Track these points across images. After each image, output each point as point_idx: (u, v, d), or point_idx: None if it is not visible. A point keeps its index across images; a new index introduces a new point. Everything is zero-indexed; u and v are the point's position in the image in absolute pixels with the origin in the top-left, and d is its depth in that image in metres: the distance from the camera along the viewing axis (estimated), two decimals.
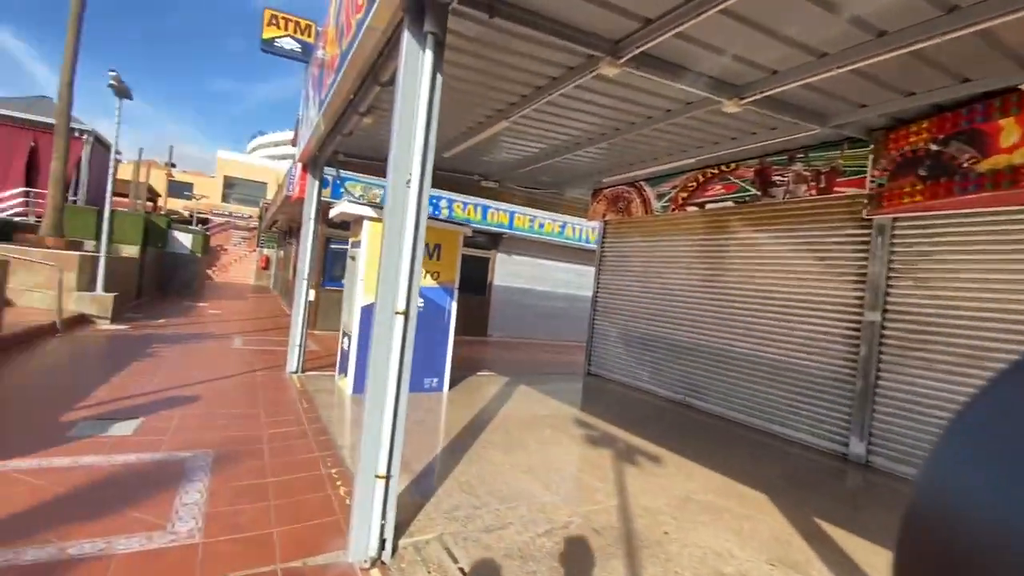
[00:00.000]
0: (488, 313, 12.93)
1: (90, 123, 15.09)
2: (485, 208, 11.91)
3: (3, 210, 12.96)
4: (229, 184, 39.07)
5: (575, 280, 14.38)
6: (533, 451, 4.24)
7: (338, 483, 3.23)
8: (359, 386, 5.56)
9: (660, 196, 7.07)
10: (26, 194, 13.41)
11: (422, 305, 5.84)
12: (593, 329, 8.66)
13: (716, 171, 6.28)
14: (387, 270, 2.55)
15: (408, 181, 2.54)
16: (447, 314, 6.07)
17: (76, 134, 14.54)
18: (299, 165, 6.75)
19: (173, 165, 27.39)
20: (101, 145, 16.45)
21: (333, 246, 10.95)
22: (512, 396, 6.29)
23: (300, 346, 6.37)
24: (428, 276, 5.88)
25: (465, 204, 11.62)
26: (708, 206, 6.39)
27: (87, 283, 8.81)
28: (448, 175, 7.30)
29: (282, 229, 20.72)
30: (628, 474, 3.91)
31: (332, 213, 6.02)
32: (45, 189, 13.79)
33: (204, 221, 32.35)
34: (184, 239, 16.56)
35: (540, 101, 4.30)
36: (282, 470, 3.34)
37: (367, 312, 5.56)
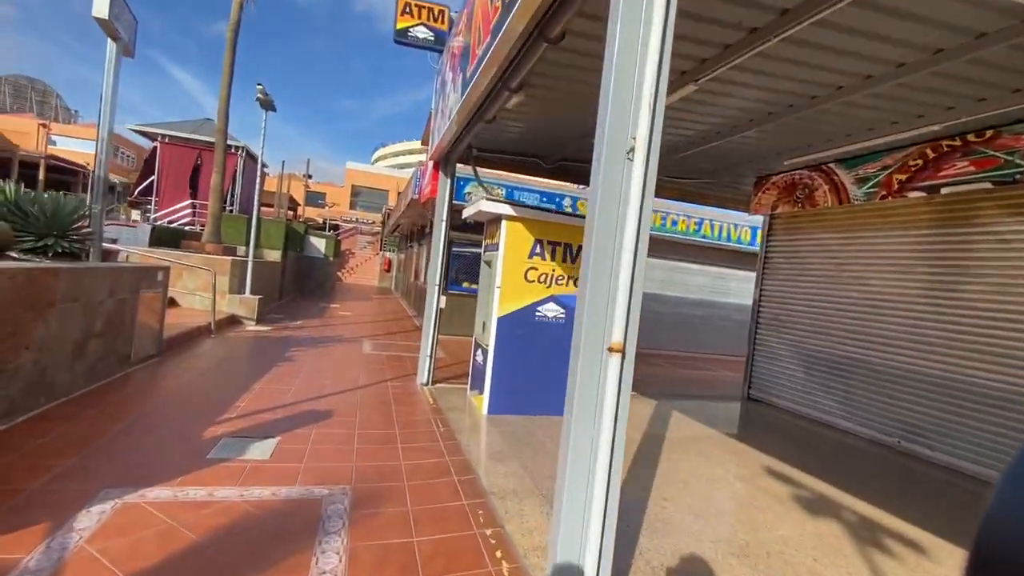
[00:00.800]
0: None
1: (242, 141, 16.70)
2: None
3: (175, 220, 14.76)
4: (356, 192, 42.22)
5: (713, 285, 12.76)
6: (725, 516, 3.21)
7: (498, 553, 2.51)
8: (496, 406, 4.92)
9: (861, 180, 5.55)
10: (192, 205, 15.11)
11: (562, 315, 5.05)
12: (755, 345, 7.25)
13: (957, 143, 4.68)
14: (592, 285, 1.75)
15: (630, 152, 1.71)
16: None
17: (232, 150, 16.16)
18: (430, 164, 6.37)
19: (310, 176, 30.02)
20: (252, 159, 18.18)
21: (454, 249, 10.68)
22: (663, 424, 5.25)
23: (431, 357, 5.93)
24: (569, 281, 5.08)
25: (575, 198, 10.71)
26: (944, 190, 4.80)
27: (237, 286, 9.39)
28: (577, 166, 6.45)
29: (403, 233, 21.46)
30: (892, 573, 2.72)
31: (467, 212, 5.47)
32: (207, 200, 15.42)
33: (335, 227, 35.20)
34: (318, 244, 17.71)
35: (741, 55, 3.26)
36: (429, 524, 2.71)
37: (506, 325, 4.90)
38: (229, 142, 16.28)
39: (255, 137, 9.84)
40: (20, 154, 23.52)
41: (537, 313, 4.98)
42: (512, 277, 4.90)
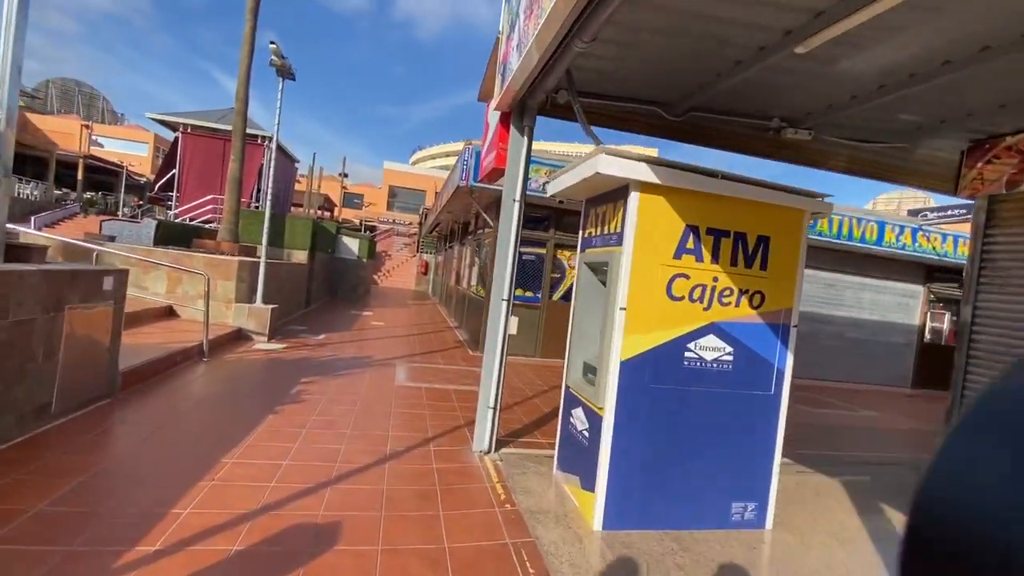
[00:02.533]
0: None
1: (270, 130, 15.31)
2: None
3: (198, 216, 13.46)
4: (393, 193, 41.13)
5: (877, 301, 10.31)
6: None
7: None
8: (618, 515, 2.87)
9: None
10: (214, 200, 13.77)
11: (727, 356, 2.96)
12: (962, 389, 4.92)
13: None
14: None
15: None
16: (775, 376, 3.09)
17: (259, 140, 14.78)
18: (493, 123, 4.44)
19: (346, 175, 28.88)
20: (285, 156, 16.79)
21: None
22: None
23: (494, 409, 3.94)
24: (742, 297, 2.98)
25: None
26: None
27: (247, 293, 7.71)
28: (715, 119, 4.33)
29: (442, 233, 19.73)
30: None
31: (565, 178, 3.37)
32: None
33: (371, 228, 34.04)
34: (352, 244, 16.17)
35: None
36: None
37: (636, 373, 2.85)
38: (256, 131, 14.93)
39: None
40: (58, 153, 23.22)
41: (688, 353, 2.90)
42: (646, 292, 2.84)
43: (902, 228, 9.68)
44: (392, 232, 35.90)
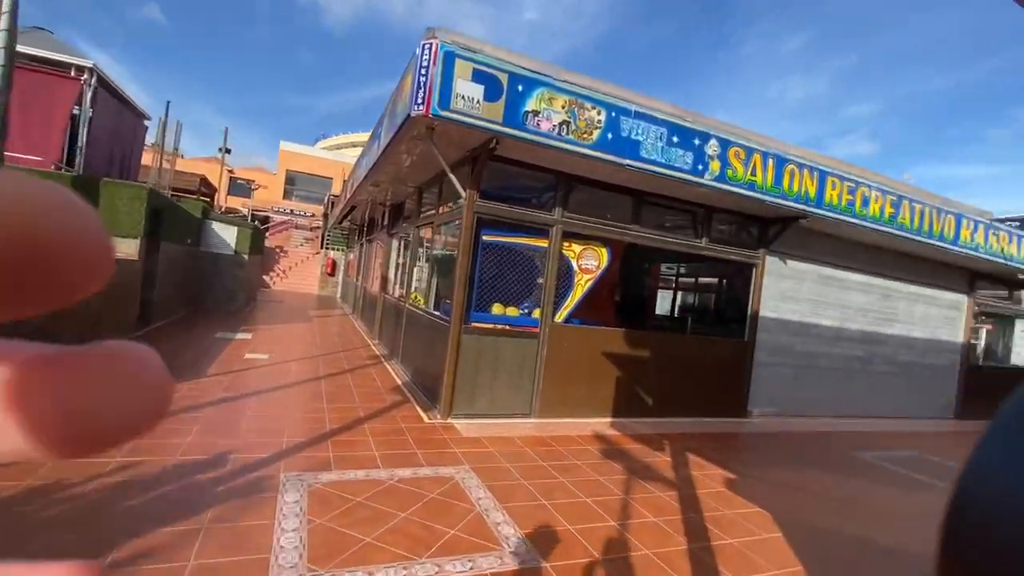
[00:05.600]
0: (748, 370, 6.79)
1: (93, 63, 10.24)
2: (782, 161, 5.81)
3: None
4: (291, 179, 35.24)
5: (876, 307, 7.98)
6: None
7: None
8: None
9: None
10: None
11: None
12: None
13: None
14: None
15: None
16: None
17: (70, 72, 9.75)
18: None
19: (228, 151, 23.21)
20: (121, 103, 11.70)
21: (486, 237, 5.19)
22: None
23: None
24: None
25: (750, 151, 5.57)
26: None
27: None
28: None
29: (359, 222, 15.52)
30: None
31: None
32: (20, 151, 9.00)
33: (265, 220, 28.28)
34: (225, 234, 11.54)
35: None
36: None
37: None
38: (64, 57, 9.87)
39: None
40: None
41: None
42: None
43: (976, 224, 7.61)
44: (290, 224, 30.31)
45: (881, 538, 3.45)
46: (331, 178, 32.78)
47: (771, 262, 6.83)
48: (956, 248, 7.40)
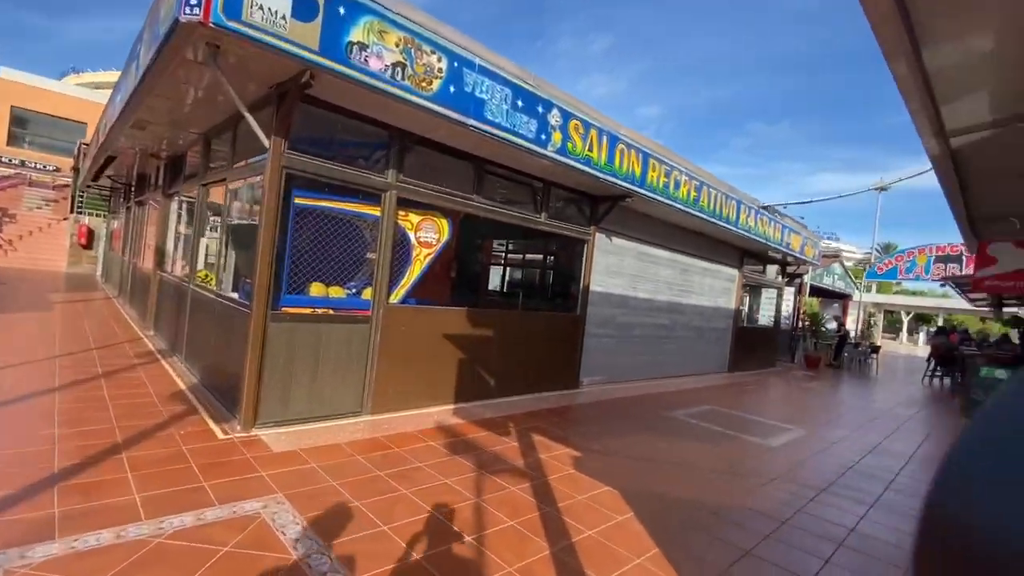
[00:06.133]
0: (580, 343, 7.02)
1: None
2: (614, 139, 5.93)
3: None
4: (20, 120, 26.52)
5: (678, 281, 9.02)
6: None
7: None
8: None
9: None
10: None
11: None
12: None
13: None
14: None
15: None
16: None
17: None
18: None
19: None
20: None
21: (300, 200, 4.16)
22: None
23: None
24: None
25: (588, 126, 5.54)
26: None
27: None
28: None
29: (124, 180, 12.17)
30: None
31: None
32: None
33: None
34: None
35: None
36: None
37: None
38: None
39: None
40: None
41: None
42: None
43: (750, 210, 9.07)
44: (20, 180, 22.85)
45: (707, 498, 3.69)
46: (85, 123, 25.50)
47: (600, 239, 7.10)
48: (736, 229, 8.72)
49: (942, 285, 21.37)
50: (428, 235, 4.97)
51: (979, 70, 3.34)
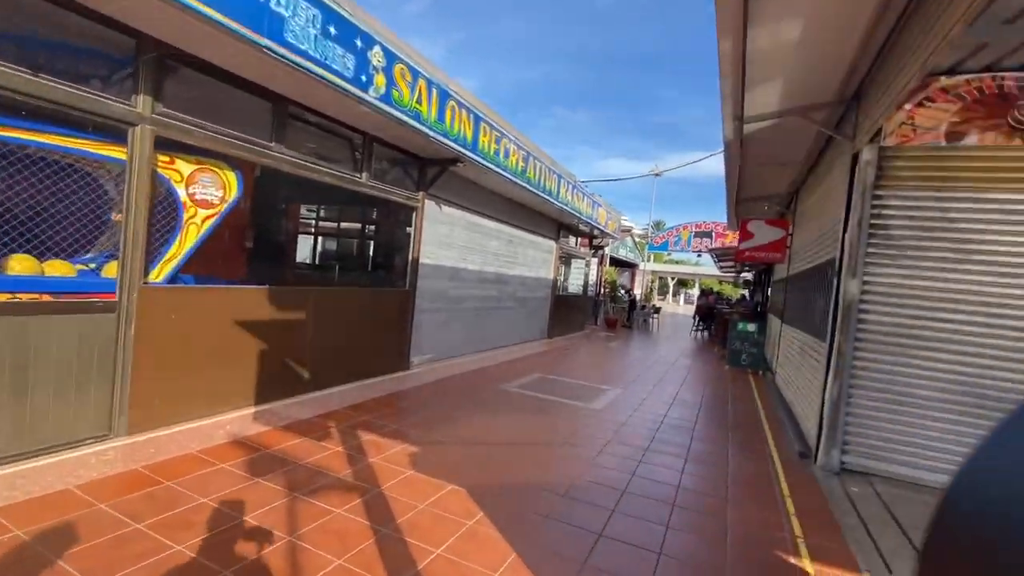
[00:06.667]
0: (410, 320, 6.41)
1: None
2: (445, 95, 5.34)
3: None
4: None
5: (505, 252, 8.99)
6: None
7: None
8: None
9: None
10: None
11: None
12: (849, 379, 4.20)
13: None
14: None
15: None
16: None
17: None
18: None
19: None
20: None
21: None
22: None
23: None
24: None
25: (416, 74, 4.83)
26: None
27: None
28: None
29: None
30: None
31: None
32: None
33: None
34: None
35: None
36: None
37: None
38: None
39: None
40: None
41: None
42: None
43: (568, 184, 9.46)
44: None
45: (553, 479, 3.56)
46: None
47: (429, 206, 6.52)
48: (557, 203, 9.01)
49: (699, 255, 26.27)
50: (207, 191, 3.74)
51: (782, 58, 3.69)
